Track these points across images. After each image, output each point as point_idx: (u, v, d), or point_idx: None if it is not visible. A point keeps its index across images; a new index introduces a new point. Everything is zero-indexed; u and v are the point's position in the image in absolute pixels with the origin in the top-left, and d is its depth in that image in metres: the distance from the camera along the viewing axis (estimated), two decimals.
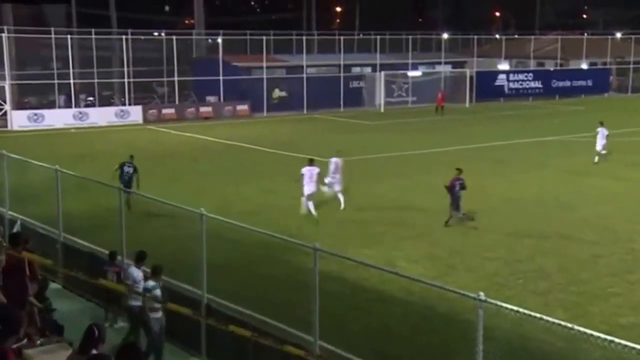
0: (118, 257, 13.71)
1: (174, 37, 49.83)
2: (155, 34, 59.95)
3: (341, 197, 22.41)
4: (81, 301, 14.60)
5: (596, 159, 30.53)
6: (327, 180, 22.62)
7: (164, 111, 47.23)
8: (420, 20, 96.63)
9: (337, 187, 22.58)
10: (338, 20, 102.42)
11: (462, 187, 20.21)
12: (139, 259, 12.62)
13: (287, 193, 24.53)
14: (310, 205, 21.46)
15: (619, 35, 77.28)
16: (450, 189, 20.34)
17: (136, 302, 12.11)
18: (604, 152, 30.68)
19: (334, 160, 22.96)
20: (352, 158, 31.46)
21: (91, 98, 47.57)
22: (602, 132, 30.80)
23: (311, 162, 21.96)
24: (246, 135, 38.57)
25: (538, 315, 7.66)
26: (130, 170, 21.93)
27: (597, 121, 31.83)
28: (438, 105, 50.55)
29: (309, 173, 21.66)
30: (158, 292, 11.88)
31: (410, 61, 57.46)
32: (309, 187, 21.59)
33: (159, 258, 15.87)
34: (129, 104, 46.72)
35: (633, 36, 68.93)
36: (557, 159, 31.62)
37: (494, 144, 35.83)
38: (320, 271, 10.35)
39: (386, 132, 41.45)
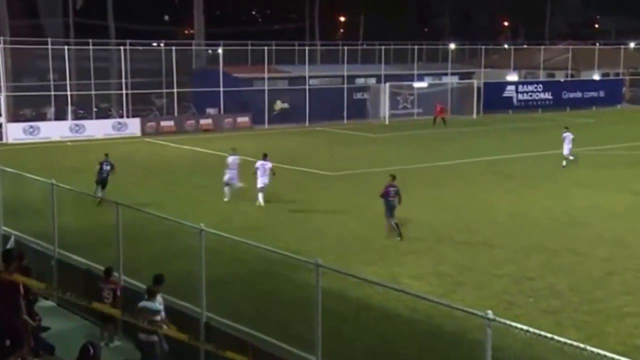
0: (114, 274, 13.70)
1: (173, 48, 50.01)
2: (154, 44, 60.15)
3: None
4: (76, 319, 14.57)
5: (564, 163, 32.40)
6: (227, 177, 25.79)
7: (163, 123, 47.33)
8: (426, 29, 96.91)
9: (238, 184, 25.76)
10: (341, 30, 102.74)
11: (397, 194, 20.64)
12: (157, 281, 12.23)
13: (288, 207, 24.58)
14: (260, 196, 24.74)
15: (632, 45, 77.44)
16: (385, 195, 20.71)
17: (153, 337, 11.86)
18: (571, 157, 32.67)
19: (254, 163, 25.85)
20: (356, 171, 31.53)
21: (82, 111, 47.71)
22: (567, 136, 33.05)
23: (265, 157, 25.44)
24: (247, 148, 38.47)
25: (549, 335, 7.61)
26: (108, 167, 25.45)
27: (610, 134, 31.84)
28: (436, 117, 50.77)
29: (262, 167, 24.95)
30: (163, 313, 11.85)
31: (415, 72, 57.58)
32: (262, 180, 24.85)
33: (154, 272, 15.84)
34: (127, 116, 46.85)
35: None
36: (568, 172, 31.58)
37: (502, 157, 35.83)
38: (322, 288, 10.33)
39: (391, 144, 41.46)
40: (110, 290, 13.44)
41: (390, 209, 20.65)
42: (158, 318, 11.73)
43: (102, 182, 25.18)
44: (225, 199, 25.52)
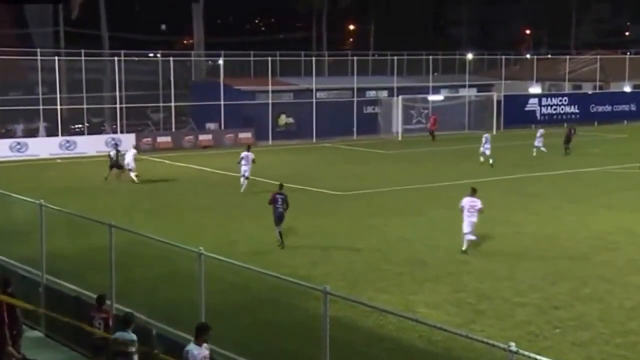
0: (107, 302, 13.68)
1: (171, 59, 50.32)
2: (151, 55, 60.56)
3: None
4: (65, 351, 14.56)
5: (481, 159, 38.88)
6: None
7: (160, 139, 47.51)
8: (442, 39, 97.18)
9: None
10: (351, 40, 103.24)
11: (285, 202, 22.53)
12: (201, 330, 10.83)
13: (295, 231, 24.56)
14: (245, 182, 31.39)
15: None
16: (272, 202, 22.59)
17: None
18: (490, 160, 38.26)
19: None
20: (367, 191, 31.53)
21: (80, 126, 47.95)
22: (486, 137, 39.81)
23: (248, 149, 32.78)
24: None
25: None
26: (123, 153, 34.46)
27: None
28: (431, 131, 50.94)
29: (247, 157, 31.78)
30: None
31: (430, 84, 57.71)
32: (245, 168, 31.55)
33: (152, 303, 15.85)
34: (121, 132, 47.05)
35: None
36: (598, 192, 31.51)
37: (526, 176, 35.79)
38: (331, 317, 10.29)
39: (404, 162, 41.48)
40: (101, 319, 13.41)
41: (278, 218, 22.51)
42: (133, 349, 11.70)
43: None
44: (242, 190, 31.32)
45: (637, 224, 25.60)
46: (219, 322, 14.43)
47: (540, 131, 44.07)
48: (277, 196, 22.62)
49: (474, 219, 21.84)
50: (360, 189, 32.40)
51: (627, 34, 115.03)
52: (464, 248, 21.74)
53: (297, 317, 15.94)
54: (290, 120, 52.08)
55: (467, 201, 22.07)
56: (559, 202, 29.65)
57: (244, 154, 31.97)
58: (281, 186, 23.48)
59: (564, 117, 60.30)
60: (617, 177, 35.66)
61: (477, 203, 21.92)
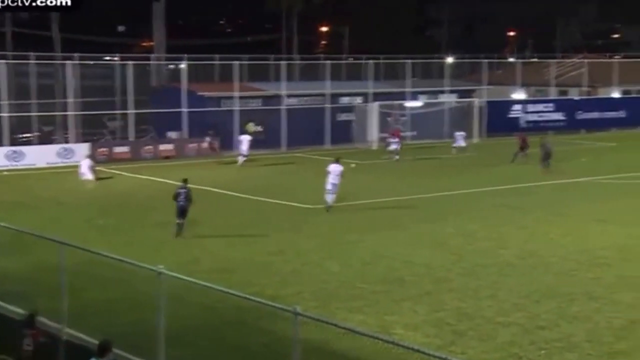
0: (38, 318, 13.57)
1: (129, 63, 50.11)
2: (107, 58, 60.34)
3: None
4: None
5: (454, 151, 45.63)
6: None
7: (117, 149, 47.25)
8: (421, 41, 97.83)
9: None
10: (324, 43, 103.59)
11: (188, 197, 25.47)
12: (104, 348, 11.57)
13: (263, 247, 24.56)
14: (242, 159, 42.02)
15: None
16: (176, 197, 25.48)
17: None
18: (396, 157, 44.94)
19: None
20: (340, 204, 31.58)
21: (29, 135, 47.58)
22: (245, 138, 45.57)
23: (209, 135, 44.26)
24: (215, 178, 38.61)
25: None
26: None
27: (635, 160, 32.12)
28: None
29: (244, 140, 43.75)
30: None
31: (409, 90, 57.96)
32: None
33: (108, 327, 15.75)
34: (74, 141, 46.73)
35: None
36: (587, 204, 31.81)
37: (510, 187, 36.04)
38: (302, 340, 10.31)
39: (380, 173, 41.61)
40: (30, 338, 13.32)
41: (180, 211, 25.49)
42: None
43: None
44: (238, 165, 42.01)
45: (627, 238, 25.87)
46: (180, 346, 14.41)
47: (462, 133, 50.36)
48: (181, 191, 25.74)
49: (337, 181, 29.94)
50: (334, 202, 32.43)
51: (615, 36, 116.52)
52: (328, 203, 29.91)
53: (265, 340, 15.92)
54: (259, 128, 52.02)
55: (332, 167, 30.28)
56: (545, 214, 29.89)
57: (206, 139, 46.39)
58: (185, 181, 26.38)
59: (550, 124, 60.82)
60: (606, 188, 36.03)
61: (340, 168, 30.31)
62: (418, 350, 9.87)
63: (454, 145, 49.64)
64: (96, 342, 12.40)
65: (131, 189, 36.91)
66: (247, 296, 12.31)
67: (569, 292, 19.74)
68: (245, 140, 45.13)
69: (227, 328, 16.83)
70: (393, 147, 46.91)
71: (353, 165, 39.80)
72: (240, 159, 44.59)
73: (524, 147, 44.23)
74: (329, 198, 30.13)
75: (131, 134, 49.40)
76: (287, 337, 10.89)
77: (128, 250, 21.96)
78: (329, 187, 30.09)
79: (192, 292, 15.87)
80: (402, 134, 51.00)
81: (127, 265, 14.15)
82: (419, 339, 16.09)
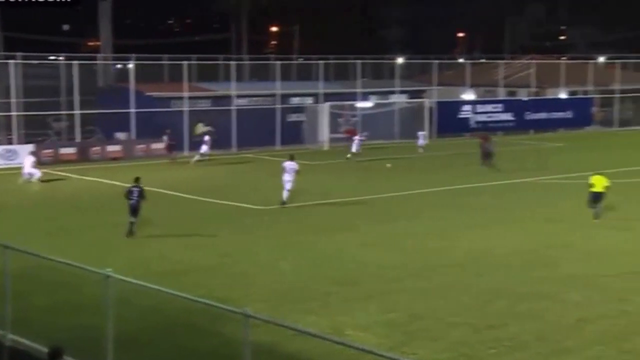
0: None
1: (75, 62, 49.48)
2: (52, 58, 59.56)
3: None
4: None
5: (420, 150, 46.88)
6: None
7: (62, 151, 46.67)
8: (371, 42, 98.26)
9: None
10: (273, 43, 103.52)
11: (141, 195, 25.70)
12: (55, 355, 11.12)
13: (213, 249, 24.45)
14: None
15: (602, 59, 79.85)
16: (128, 195, 25.85)
17: None
18: (349, 155, 45.68)
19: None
20: (291, 205, 31.59)
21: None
22: (422, 134, 49.31)
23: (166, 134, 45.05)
24: (164, 179, 38.32)
25: None
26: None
27: (581, 160, 32.63)
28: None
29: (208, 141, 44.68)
30: None
31: (359, 90, 58.18)
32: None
33: (54, 332, 15.56)
34: (18, 143, 46.02)
35: (618, 61, 71.11)
36: (535, 204, 32.21)
37: (460, 187, 36.35)
38: (252, 342, 10.29)
39: (331, 174, 41.69)
40: None
41: (132, 209, 25.71)
42: None
43: None
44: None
45: (575, 237, 26.27)
46: (129, 350, 14.28)
47: (423, 133, 51.97)
48: (133, 189, 25.96)
49: (291, 178, 31.09)
50: (287, 198, 32.39)
51: (562, 37, 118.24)
52: (284, 199, 31.09)
53: (215, 343, 15.85)
54: (208, 129, 51.79)
55: (287, 164, 31.44)
56: (495, 214, 30.21)
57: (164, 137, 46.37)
58: (137, 179, 26.46)
59: (499, 124, 61.45)
60: (554, 188, 36.54)
61: (295, 166, 31.31)
62: (370, 351, 9.89)
63: (419, 144, 50.64)
64: (41, 348, 12.24)
65: (78, 191, 36.48)
66: (197, 298, 12.25)
67: (518, 292, 19.97)
68: (206, 138, 46.13)
69: (177, 331, 16.72)
70: (355, 148, 46.80)
71: (389, 165, 42.46)
72: (196, 157, 45.38)
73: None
74: (285, 194, 31.18)
75: (77, 135, 48.83)
76: (238, 340, 10.85)
77: (76, 253, 21.71)
78: (286, 185, 31.28)
79: (141, 295, 15.76)
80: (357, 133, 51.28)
81: (74, 268, 13.98)
82: (370, 339, 16.15)
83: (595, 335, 16.90)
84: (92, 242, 25.42)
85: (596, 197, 28.59)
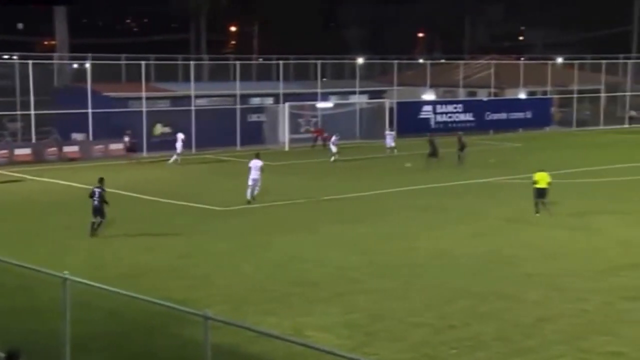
0: None
1: (30, 62, 48.98)
2: (6, 57, 58.84)
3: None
4: None
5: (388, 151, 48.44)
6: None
7: (18, 152, 46.15)
8: (331, 41, 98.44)
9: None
10: (233, 42, 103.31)
11: (101, 196, 26.18)
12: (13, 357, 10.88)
13: (172, 251, 24.33)
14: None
15: (560, 60, 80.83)
16: (91, 196, 26.29)
17: None
18: (332, 158, 45.72)
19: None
20: (251, 206, 31.54)
21: None
22: (390, 134, 48.86)
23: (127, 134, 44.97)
24: (122, 181, 38.01)
25: None
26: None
27: (540, 160, 32.99)
28: (323, 143, 51.66)
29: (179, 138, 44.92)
30: None
31: (319, 90, 58.24)
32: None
33: (9, 336, 15.37)
34: None
35: (576, 62, 72.00)
36: (494, 204, 32.49)
37: (419, 188, 36.53)
38: (213, 345, 10.25)
39: (291, 174, 41.68)
40: None
41: (94, 210, 26.13)
42: None
43: None
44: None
45: (534, 237, 26.54)
46: (87, 353, 14.17)
47: (392, 133, 50.83)
48: (95, 190, 26.40)
49: (257, 176, 32.08)
50: (244, 204, 32.37)
51: (521, 38, 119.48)
52: (248, 198, 31.86)
53: (175, 346, 15.78)
54: (167, 129, 51.50)
55: (253, 162, 32.40)
56: (454, 214, 30.42)
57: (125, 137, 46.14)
58: (101, 180, 26.93)
59: (459, 125, 61.78)
60: (515, 188, 36.84)
61: (260, 163, 32.36)
62: (331, 352, 9.92)
63: (388, 144, 50.00)
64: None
65: (34, 193, 36.10)
66: (156, 300, 12.18)
67: (479, 291, 20.13)
68: (179, 138, 46.05)
69: (136, 334, 16.62)
70: (334, 148, 46.85)
71: (408, 164, 43.01)
72: (173, 158, 45.57)
73: (462, 147, 44.88)
74: (249, 193, 31.99)
75: (33, 136, 48.31)
76: (198, 342, 10.80)
77: (33, 255, 21.49)
78: (250, 182, 31.99)
79: (99, 298, 15.64)
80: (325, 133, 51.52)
81: (30, 271, 13.83)
82: (332, 340, 16.18)
83: (554, 334, 17.08)
84: (50, 244, 25.18)
85: (540, 193, 30.12)
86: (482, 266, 22.75)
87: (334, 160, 45.81)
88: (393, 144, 49.98)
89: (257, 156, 33.33)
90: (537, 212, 29.86)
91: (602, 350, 16.08)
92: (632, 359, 15.89)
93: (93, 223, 26.13)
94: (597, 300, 19.46)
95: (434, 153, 43.74)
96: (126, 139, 47.08)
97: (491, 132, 62.55)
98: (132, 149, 46.90)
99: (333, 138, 47.47)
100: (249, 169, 32.39)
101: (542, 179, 30.23)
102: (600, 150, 52.93)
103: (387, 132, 51.30)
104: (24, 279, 16.76)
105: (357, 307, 18.84)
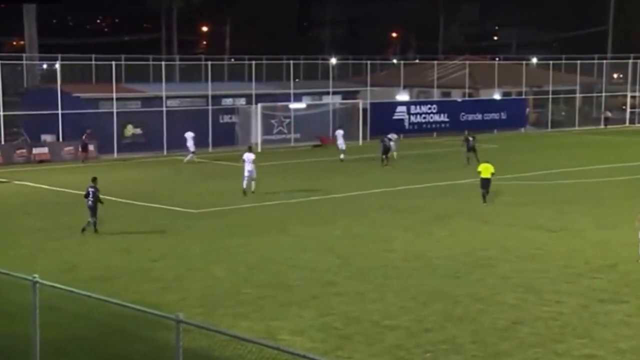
0: None
1: None
2: None
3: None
4: None
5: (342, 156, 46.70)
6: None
7: None
8: (304, 41, 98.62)
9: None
10: (204, 43, 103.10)
11: (95, 196, 26.60)
12: None
13: (145, 253, 24.24)
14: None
15: (534, 60, 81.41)
16: (86, 196, 26.74)
17: None
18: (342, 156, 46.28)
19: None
20: (224, 208, 31.49)
21: None
22: (339, 133, 48.13)
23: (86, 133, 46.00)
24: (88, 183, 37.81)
25: None
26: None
27: (516, 162, 33.22)
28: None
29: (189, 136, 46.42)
30: None
31: (292, 91, 58.24)
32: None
33: None
34: None
35: (551, 62, 72.46)
36: (470, 206, 32.59)
37: (393, 190, 36.63)
38: (185, 348, 10.24)
39: (264, 176, 41.48)
40: None
41: (90, 209, 26.55)
42: None
43: None
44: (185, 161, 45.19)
45: (509, 238, 26.67)
46: (57, 358, 14.08)
47: (340, 132, 48.98)
48: (90, 190, 26.80)
49: (251, 168, 33.92)
50: (217, 205, 32.32)
51: (495, 38, 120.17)
52: (244, 188, 33.91)
53: (147, 349, 15.72)
54: (138, 130, 51.33)
55: (246, 156, 34.19)
56: (429, 216, 30.51)
57: (84, 136, 46.02)
58: (94, 179, 27.31)
59: (434, 125, 62.08)
60: (490, 189, 37.00)
61: (253, 156, 34.27)
62: (304, 356, 9.94)
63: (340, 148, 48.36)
64: None
65: (3, 195, 35.82)
66: (128, 304, 12.14)
67: (454, 294, 20.21)
68: (189, 137, 46.85)
69: (107, 337, 16.52)
70: (342, 146, 47.46)
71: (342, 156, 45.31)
72: (189, 156, 46.51)
73: (469, 147, 44.97)
74: (245, 183, 34.07)
75: (2, 138, 47.94)
76: (170, 346, 10.77)
77: (4, 258, 21.36)
78: (246, 173, 34.03)
79: (70, 301, 15.53)
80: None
81: (1, 275, 13.73)
82: (305, 344, 16.19)
83: (530, 337, 17.18)
84: (22, 247, 25.01)
85: (485, 183, 32.56)
86: (457, 268, 22.83)
87: (342, 160, 46.67)
88: (344, 147, 47.60)
89: (250, 149, 35.50)
90: (484, 202, 32.09)
91: (577, 354, 16.20)
92: None
93: (95, 223, 26.73)
94: (573, 302, 19.59)
95: (385, 151, 44.95)
96: (84, 137, 46.83)
97: (466, 132, 62.63)
98: (84, 148, 46.62)
99: (339, 135, 47.98)
100: (243, 161, 34.27)
101: (486, 169, 32.59)
102: (576, 151, 53.35)
103: (337, 131, 49.52)
104: None
105: (331, 310, 18.85)
